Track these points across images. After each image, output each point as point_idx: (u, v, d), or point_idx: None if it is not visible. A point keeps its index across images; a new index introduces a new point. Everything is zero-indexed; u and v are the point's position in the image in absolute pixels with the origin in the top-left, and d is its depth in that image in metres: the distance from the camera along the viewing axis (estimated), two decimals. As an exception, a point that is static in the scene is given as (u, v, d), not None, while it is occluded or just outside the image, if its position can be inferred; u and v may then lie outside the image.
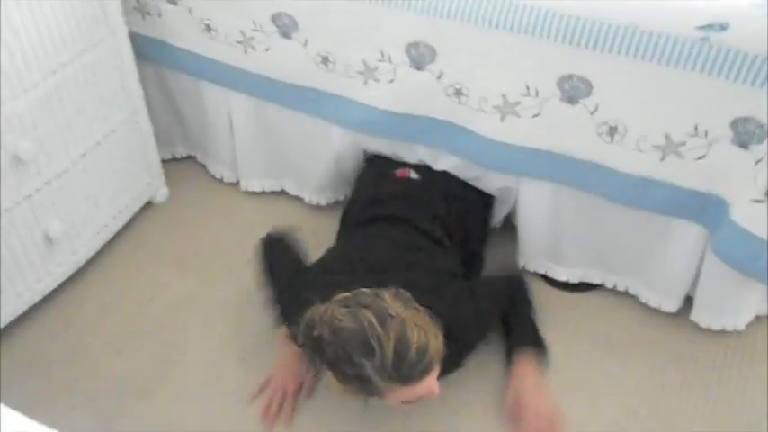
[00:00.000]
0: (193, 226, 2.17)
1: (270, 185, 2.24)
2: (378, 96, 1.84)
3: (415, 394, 1.36)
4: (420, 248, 1.69)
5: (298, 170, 2.15)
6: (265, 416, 1.66)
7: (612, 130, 1.62)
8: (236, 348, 1.83)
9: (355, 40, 1.79)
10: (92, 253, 2.01)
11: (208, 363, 1.80)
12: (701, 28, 1.45)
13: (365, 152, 2.02)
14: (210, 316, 1.91)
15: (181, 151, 2.39)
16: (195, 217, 2.20)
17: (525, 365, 1.64)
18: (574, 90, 1.62)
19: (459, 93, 1.75)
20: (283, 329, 1.69)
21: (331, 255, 1.74)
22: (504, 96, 1.69)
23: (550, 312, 1.87)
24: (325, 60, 1.86)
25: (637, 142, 1.62)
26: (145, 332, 1.87)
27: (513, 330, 1.70)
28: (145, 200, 2.18)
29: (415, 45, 1.73)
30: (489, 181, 1.87)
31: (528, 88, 1.65)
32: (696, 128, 1.55)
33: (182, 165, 2.37)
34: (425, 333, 1.33)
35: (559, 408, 1.61)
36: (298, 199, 2.22)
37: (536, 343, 1.69)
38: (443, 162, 1.89)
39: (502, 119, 1.72)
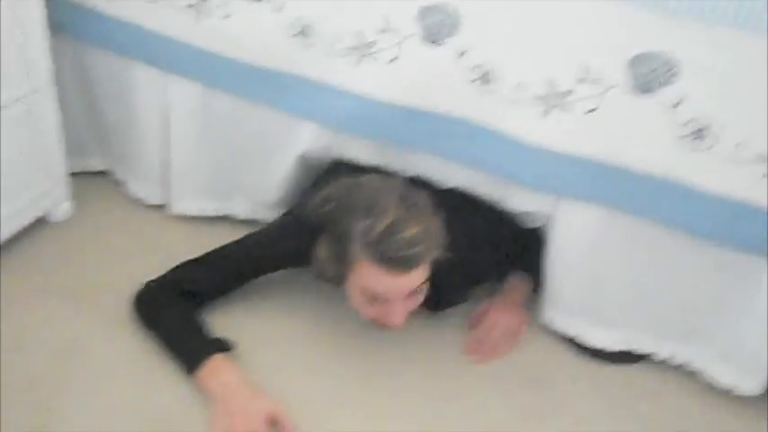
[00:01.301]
0: (99, 253, 1.61)
1: (211, 208, 1.71)
2: (372, 81, 1.38)
3: (383, 288, 1.25)
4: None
5: (251, 185, 1.63)
6: None
7: (702, 132, 1.20)
8: (139, 415, 1.26)
9: (349, 1, 1.34)
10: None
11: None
12: None
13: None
14: (107, 368, 1.34)
15: (95, 163, 1.84)
16: (104, 242, 1.64)
17: (514, 285, 1.54)
18: (651, 74, 1.19)
19: (486, 77, 1.30)
20: (209, 368, 1.30)
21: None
22: (551, 81, 1.25)
23: (582, 390, 1.38)
24: (304, 31, 1.39)
25: (734, 150, 1.19)
26: (20, 383, 1.29)
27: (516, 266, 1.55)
28: (39, 213, 1.62)
29: (431, 10, 1.29)
30: (515, 203, 1.40)
31: (587, 69, 1.22)
32: (821, 129, 1.14)
33: (95, 180, 1.83)
34: (428, 235, 1.24)
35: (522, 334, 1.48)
36: (241, 224, 1.68)
37: (535, 279, 1.51)
38: (454, 177, 1.42)
39: (545, 114, 1.28)
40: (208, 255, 1.43)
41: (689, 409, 1.37)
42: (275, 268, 1.46)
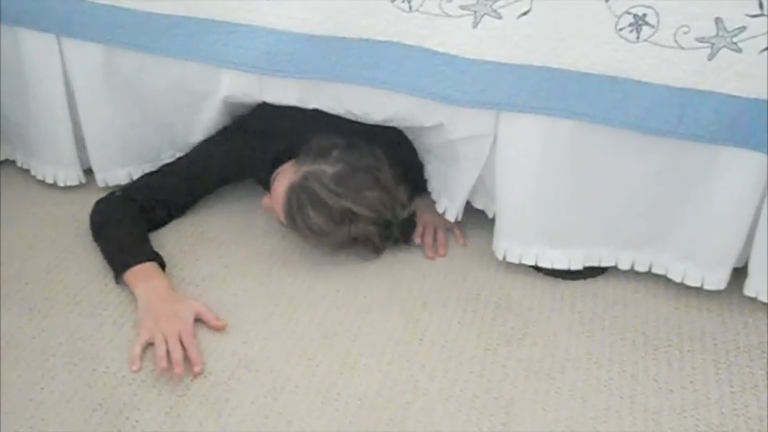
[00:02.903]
0: (15, 246, 1.47)
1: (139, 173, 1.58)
2: (288, 15, 1.27)
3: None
4: None
5: (176, 142, 1.52)
6: (165, 370, 1.18)
7: (639, 23, 1.14)
8: (81, 406, 1.14)
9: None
10: None
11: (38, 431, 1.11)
12: None
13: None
14: (40, 362, 1.22)
15: (-5, 152, 1.70)
16: (18, 234, 1.50)
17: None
18: (581, -34, 1.13)
19: (409, -6, 1.21)
20: (139, 271, 1.33)
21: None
22: (477, -12, 1.17)
23: (549, 310, 1.34)
24: (207, -31, 1.28)
25: (674, 36, 1.14)
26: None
27: None
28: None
29: (341, -73, 1.19)
30: (454, 128, 1.32)
31: (514, -29, 1.15)
32: (762, 2, 1.09)
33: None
34: (339, 226, 1.33)
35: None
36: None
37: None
38: (387, 107, 1.33)
39: (475, 24, 1.20)
40: (163, 166, 1.51)
41: (660, 311, 1.34)
42: (223, 179, 1.53)
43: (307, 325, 1.30)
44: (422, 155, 1.52)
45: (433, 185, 1.52)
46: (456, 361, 1.23)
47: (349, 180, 1.30)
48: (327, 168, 1.31)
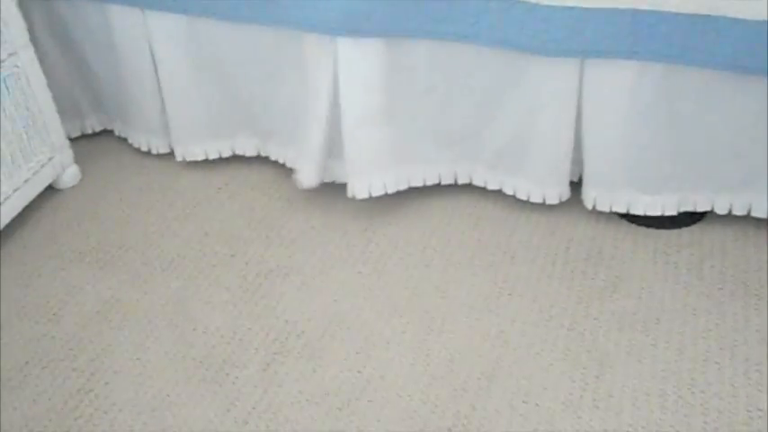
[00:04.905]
0: (114, 213, 1.54)
1: (216, 149, 1.62)
2: (364, -27, 1.27)
3: None
4: None
5: (259, 119, 1.54)
6: None
7: (733, -46, 1.08)
8: (183, 364, 1.20)
9: None
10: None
11: (145, 388, 1.16)
12: None
13: None
14: (145, 322, 1.28)
15: (93, 123, 1.76)
16: (117, 201, 1.57)
17: None
18: None
19: (486, -58, 1.18)
20: None
21: None
22: (558, -69, 1.13)
23: (642, 261, 1.30)
24: (281, -68, 1.28)
25: (773, -33, 1.07)
26: (57, 352, 1.23)
27: None
28: (46, 182, 1.55)
29: None
30: (540, 80, 1.29)
31: None
32: None
33: (97, 141, 1.75)
34: None
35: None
36: (252, 161, 1.62)
37: None
38: (467, 57, 1.31)
39: (558, -32, 1.16)
40: None
41: (761, 259, 1.28)
42: None
43: (395, 283, 1.31)
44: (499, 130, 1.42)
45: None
46: (546, 315, 1.22)
47: None
48: None
